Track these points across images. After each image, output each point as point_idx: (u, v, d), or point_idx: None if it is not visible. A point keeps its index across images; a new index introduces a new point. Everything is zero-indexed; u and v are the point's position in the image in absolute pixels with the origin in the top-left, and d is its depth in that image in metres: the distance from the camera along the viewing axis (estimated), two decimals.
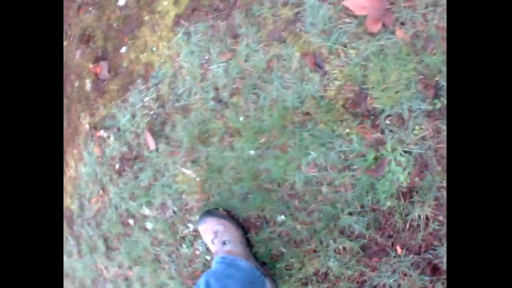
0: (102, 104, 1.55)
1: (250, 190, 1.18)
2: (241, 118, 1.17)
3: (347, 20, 1.04)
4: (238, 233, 1.16)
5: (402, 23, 1.01)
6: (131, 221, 1.47)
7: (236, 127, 1.18)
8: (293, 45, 1.10)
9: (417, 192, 1.05)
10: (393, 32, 1.01)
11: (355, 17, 1.04)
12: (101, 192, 1.57)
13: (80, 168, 1.62)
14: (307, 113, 1.08)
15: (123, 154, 1.46)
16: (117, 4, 1.57)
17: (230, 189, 1.20)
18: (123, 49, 1.51)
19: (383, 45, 1.01)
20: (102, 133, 1.53)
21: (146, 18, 1.45)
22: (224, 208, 1.21)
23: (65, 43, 1.78)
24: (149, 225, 1.41)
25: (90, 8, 1.69)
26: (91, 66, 1.61)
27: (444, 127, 0.99)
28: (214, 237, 1.15)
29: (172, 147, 1.31)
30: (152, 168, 1.37)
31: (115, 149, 1.47)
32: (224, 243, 1.13)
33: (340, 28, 1.05)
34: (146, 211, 1.41)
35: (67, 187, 1.71)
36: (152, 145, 1.36)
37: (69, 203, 1.71)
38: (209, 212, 1.19)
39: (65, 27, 1.79)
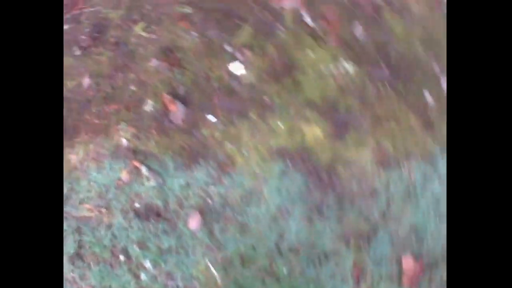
0: (156, 141, 1.49)
1: None
2: (285, 277, 1.43)
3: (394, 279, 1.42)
4: None
5: None
6: (122, 258, 1.52)
7: (279, 279, 1.43)
8: (353, 254, 1.42)
9: None
10: None
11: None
12: (103, 209, 1.53)
13: (90, 168, 1.52)
14: None
15: (153, 204, 1.48)
16: (230, 69, 1.49)
17: None
18: (212, 118, 1.47)
19: None
20: (142, 168, 1.48)
21: (251, 113, 1.46)
22: None
23: (140, 31, 1.55)
24: (143, 276, 1.51)
25: (195, 33, 1.53)
26: (165, 95, 1.50)
27: None
28: None
29: (212, 243, 1.45)
30: (178, 241, 1.46)
31: (148, 193, 1.47)
32: None
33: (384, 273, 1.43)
34: (148, 264, 1.50)
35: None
36: (194, 226, 1.44)
37: None
38: None
39: (157, 13, 1.55)
